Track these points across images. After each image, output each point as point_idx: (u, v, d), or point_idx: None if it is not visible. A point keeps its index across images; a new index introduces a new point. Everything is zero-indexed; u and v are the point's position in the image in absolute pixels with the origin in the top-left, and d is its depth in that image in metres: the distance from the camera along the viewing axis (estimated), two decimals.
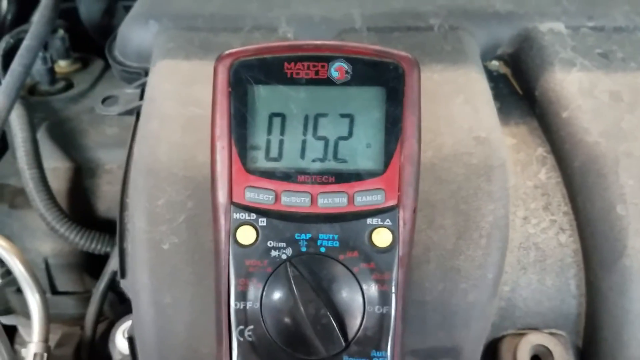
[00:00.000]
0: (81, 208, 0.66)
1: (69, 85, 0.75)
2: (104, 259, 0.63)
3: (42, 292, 0.57)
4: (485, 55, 0.63)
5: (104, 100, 0.59)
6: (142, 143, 0.51)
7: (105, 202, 0.66)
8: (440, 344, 0.48)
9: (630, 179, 0.50)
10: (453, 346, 0.48)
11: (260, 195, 0.41)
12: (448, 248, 0.48)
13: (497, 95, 0.61)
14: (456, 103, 0.54)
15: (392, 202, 0.41)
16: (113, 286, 0.62)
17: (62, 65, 0.78)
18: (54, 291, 0.67)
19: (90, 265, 0.67)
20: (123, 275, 0.51)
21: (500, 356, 0.51)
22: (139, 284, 0.48)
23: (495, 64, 0.66)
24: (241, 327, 0.41)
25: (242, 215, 0.41)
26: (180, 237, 0.47)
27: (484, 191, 0.49)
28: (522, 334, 0.51)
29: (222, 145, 0.41)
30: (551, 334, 0.52)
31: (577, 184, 0.53)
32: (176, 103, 0.53)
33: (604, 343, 0.50)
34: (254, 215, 0.41)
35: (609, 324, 0.50)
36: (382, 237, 0.41)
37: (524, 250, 0.52)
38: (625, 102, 0.56)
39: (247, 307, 0.41)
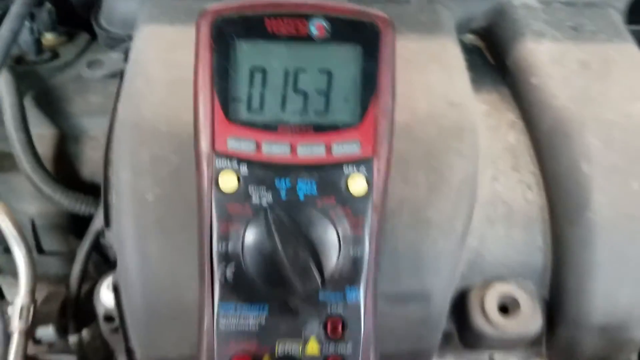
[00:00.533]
0: (66, 173, 0.68)
1: (55, 56, 0.76)
2: (88, 220, 0.64)
3: (28, 248, 0.58)
4: (461, 29, 0.66)
5: (89, 65, 0.60)
6: (126, 101, 0.53)
7: (89, 167, 0.68)
8: (411, 289, 0.51)
9: (595, 139, 0.53)
10: (423, 291, 0.51)
11: (242, 144, 0.43)
12: (420, 201, 0.50)
13: (471, 66, 0.63)
14: (431, 70, 0.57)
15: (367, 153, 0.43)
16: (97, 246, 0.64)
17: (49, 38, 0.79)
18: (40, 251, 0.68)
19: (75, 226, 0.68)
20: (108, 224, 0.53)
21: (468, 306, 0.54)
22: (123, 233, 0.49)
23: (469, 37, 0.68)
24: (223, 268, 0.43)
25: (224, 163, 0.43)
26: (164, 189, 0.49)
27: (455, 150, 0.52)
28: (489, 284, 0.54)
29: (204, 96, 0.43)
30: (519, 285, 0.55)
31: (545, 144, 0.55)
32: (160, 66, 0.54)
33: (569, 294, 0.53)
34: (235, 163, 0.43)
35: (574, 275, 0.53)
36: (357, 185, 0.43)
37: (492, 206, 0.55)
38: (593, 70, 0.59)
39: (229, 250, 0.43)
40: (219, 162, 0.43)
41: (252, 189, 0.43)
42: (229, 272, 0.43)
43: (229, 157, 0.43)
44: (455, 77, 0.57)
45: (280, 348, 0.44)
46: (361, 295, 0.44)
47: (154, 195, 0.49)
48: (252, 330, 0.44)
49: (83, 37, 0.81)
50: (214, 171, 0.43)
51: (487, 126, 0.59)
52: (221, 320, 0.44)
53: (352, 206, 0.43)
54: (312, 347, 0.45)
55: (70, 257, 0.66)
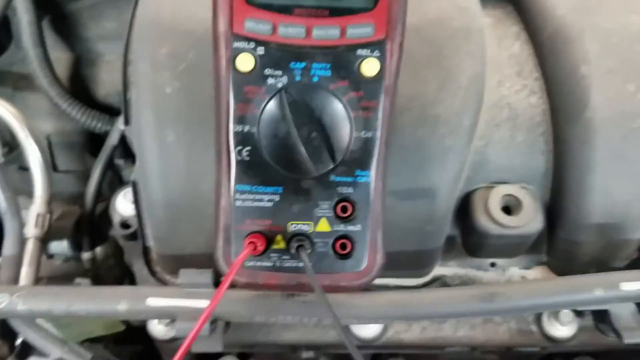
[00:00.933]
0: (81, 94, 0.69)
1: None
2: (103, 139, 0.66)
3: (46, 158, 0.60)
4: None
5: None
6: (144, 5, 0.54)
7: (104, 89, 0.70)
8: (418, 184, 0.52)
9: (594, 44, 0.55)
10: (429, 187, 0.52)
11: (258, 25, 0.44)
12: (429, 98, 0.52)
13: None
14: None
15: (381, 35, 0.44)
16: (112, 165, 0.66)
17: None
18: (55, 169, 0.70)
19: (91, 144, 0.70)
20: (127, 122, 0.54)
21: (472, 206, 0.56)
22: (142, 124, 0.51)
23: None
24: (239, 147, 0.45)
25: (241, 44, 0.44)
26: (182, 82, 0.51)
27: (464, 50, 0.53)
28: (493, 186, 0.56)
29: None
30: (521, 187, 0.56)
31: (547, 51, 0.57)
32: None
33: (568, 193, 0.55)
34: (252, 44, 0.44)
35: (574, 174, 0.55)
36: (370, 67, 0.45)
37: (498, 109, 0.56)
38: None
39: (245, 130, 0.45)
40: (237, 43, 0.44)
41: (268, 70, 0.44)
42: (245, 153, 0.45)
43: (246, 38, 0.44)
44: None
45: (292, 227, 0.46)
46: (371, 177, 0.45)
47: (172, 89, 0.51)
48: (266, 210, 0.46)
49: None
50: (231, 52, 0.44)
51: (493, 37, 0.60)
52: (237, 200, 0.46)
53: (364, 88, 0.45)
54: (323, 227, 0.46)
55: (85, 176, 0.67)
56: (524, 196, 0.55)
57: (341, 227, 0.46)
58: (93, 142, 0.70)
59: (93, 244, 0.66)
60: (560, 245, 0.58)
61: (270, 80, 0.45)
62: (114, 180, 0.69)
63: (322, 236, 0.46)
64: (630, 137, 0.53)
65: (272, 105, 0.44)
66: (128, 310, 0.49)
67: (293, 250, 0.45)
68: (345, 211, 0.46)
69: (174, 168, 0.51)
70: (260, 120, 0.45)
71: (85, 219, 0.66)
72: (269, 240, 0.46)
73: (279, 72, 0.44)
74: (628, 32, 0.56)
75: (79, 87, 0.70)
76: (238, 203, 0.46)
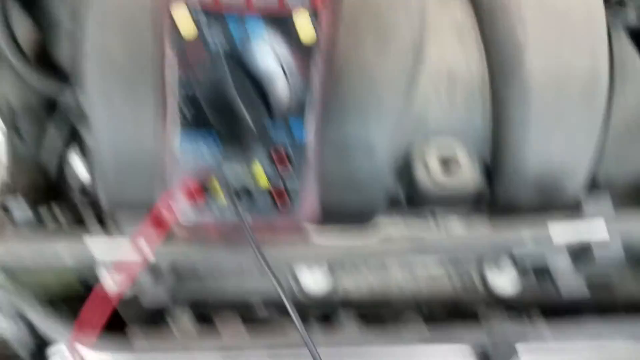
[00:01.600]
0: (43, 61, 0.71)
1: None
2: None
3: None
4: None
5: None
6: None
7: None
8: (356, 138, 0.55)
9: (531, 10, 0.58)
10: (367, 141, 0.55)
11: None
12: (368, 61, 0.54)
13: None
14: None
15: (318, 3, 0.44)
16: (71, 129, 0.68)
17: None
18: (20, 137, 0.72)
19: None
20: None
21: (411, 160, 0.59)
22: (93, 92, 0.53)
23: None
24: (183, 109, 0.46)
25: (184, 11, 0.44)
26: (132, 50, 0.53)
27: (402, 16, 0.56)
28: (432, 141, 0.59)
29: None
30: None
31: (486, 17, 0.60)
32: None
33: (506, 149, 0.59)
34: (194, 11, 0.44)
35: (511, 131, 0.58)
36: (307, 33, 0.45)
37: (437, 75, 0.59)
38: None
39: (188, 92, 0.46)
40: (179, 9, 0.44)
41: (209, 35, 0.45)
42: (188, 111, 0.46)
43: (188, 4, 0.44)
44: None
45: (230, 178, 0.48)
46: (306, 128, 0.48)
47: (122, 56, 0.53)
48: (205, 161, 0.48)
49: None
50: (173, 19, 0.44)
51: (436, 2, 0.63)
52: (179, 151, 0.48)
53: (299, 50, 0.46)
54: (260, 176, 0.49)
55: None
56: (460, 150, 0.58)
57: (277, 176, 0.49)
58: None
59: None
60: (500, 199, 0.61)
61: (212, 44, 0.46)
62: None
63: (259, 184, 0.49)
64: (563, 97, 0.56)
65: (212, 68, 0.46)
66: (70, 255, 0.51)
67: (229, 199, 0.47)
68: (281, 160, 0.48)
69: (122, 134, 0.53)
70: (201, 83, 0.46)
71: (43, 179, 0.67)
72: (208, 189, 0.48)
73: (220, 36, 0.45)
74: (565, 2, 0.59)
75: (41, 55, 0.71)
76: (179, 155, 0.48)
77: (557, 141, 0.57)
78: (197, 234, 0.49)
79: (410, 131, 0.59)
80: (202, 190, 0.48)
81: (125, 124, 0.53)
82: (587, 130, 0.58)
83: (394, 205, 0.62)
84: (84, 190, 0.65)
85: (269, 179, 0.48)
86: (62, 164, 0.66)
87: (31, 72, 0.66)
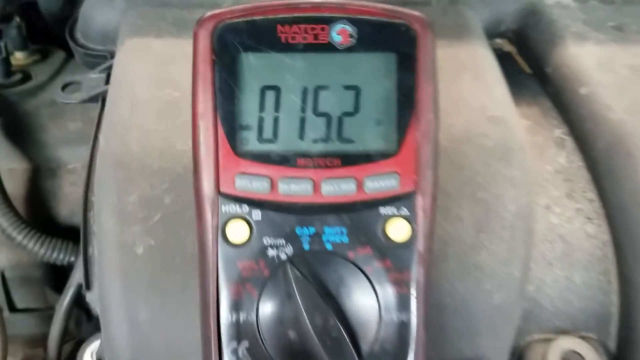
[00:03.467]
0: (41, 213, 0.59)
1: (27, 78, 0.67)
2: (68, 270, 0.55)
3: None
4: (488, 32, 0.57)
5: (64, 88, 0.51)
6: (109, 131, 0.44)
7: (68, 205, 0.59)
8: (462, 354, 0.42)
9: None
10: (477, 356, 0.42)
11: (253, 183, 0.34)
12: (467, 242, 0.42)
13: (504, 75, 0.55)
14: (464, 81, 0.48)
15: (409, 188, 0.35)
16: (79, 301, 0.55)
17: (19, 57, 0.70)
18: (13, 308, 0.59)
19: (52, 278, 0.59)
20: (88, 286, 0.44)
21: None
22: (108, 297, 0.40)
23: (498, 41, 0.60)
24: (234, 343, 0.35)
25: (232, 208, 0.35)
26: (157, 239, 0.40)
27: (504, 176, 0.43)
28: (551, 339, 0.45)
29: (206, 124, 0.34)
30: (582, 337, 0.46)
31: (603, 166, 0.47)
32: (149, 85, 0.46)
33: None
34: (246, 207, 0.35)
35: None
36: (398, 229, 0.35)
37: (549, 244, 0.46)
38: None
39: (241, 320, 0.35)
40: (226, 207, 0.34)
41: (267, 240, 0.35)
42: (242, 350, 0.34)
43: (237, 199, 0.34)
44: (493, 87, 0.48)
45: None
46: None
47: (144, 247, 0.40)
48: None
49: (58, 56, 0.72)
50: (219, 217, 0.34)
51: (533, 145, 0.50)
52: None
53: (392, 257, 0.35)
54: None
55: (48, 315, 0.56)
56: (587, 351, 0.45)
57: None
58: (55, 275, 0.58)
59: None
60: None
61: (271, 252, 0.35)
62: (81, 317, 0.57)
63: None
64: None
65: (274, 285, 0.35)
66: None
67: None
68: None
69: (149, 352, 0.40)
70: (259, 306, 0.35)
71: None
72: None
73: (282, 241, 0.35)
74: None
75: (38, 205, 0.59)
76: None
77: None
78: None
79: (524, 323, 0.45)
80: None
81: (154, 347, 0.40)
82: None
83: None
84: None
85: None
86: (73, 352, 0.53)
87: (24, 236, 0.53)
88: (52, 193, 0.59)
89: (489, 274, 0.41)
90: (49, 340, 0.54)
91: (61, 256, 0.54)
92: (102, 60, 0.55)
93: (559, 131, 0.51)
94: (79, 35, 0.57)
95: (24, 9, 0.71)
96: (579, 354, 0.45)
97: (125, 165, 0.42)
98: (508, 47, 0.61)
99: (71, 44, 0.57)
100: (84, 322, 0.58)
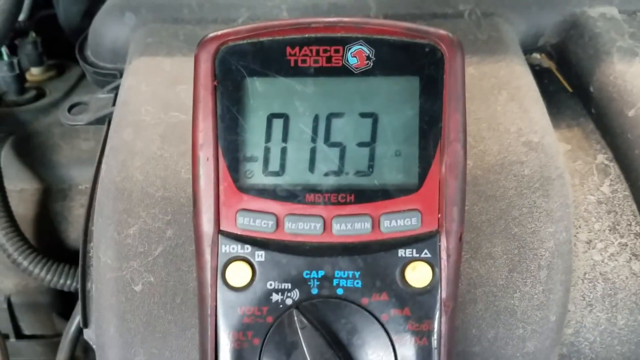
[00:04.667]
0: (51, 236, 0.57)
1: (41, 95, 0.66)
2: (75, 296, 0.52)
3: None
4: (525, 47, 0.53)
5: (70, 109, 0.49)
6: (111, 156, 0.41)
7: (78, 228, 0.57)
8: None
9: None
10: None
11: (257, 220, 0.31)
12: (499, 284, 0.38)
13: (542, 93, 0.51)
14: (499, 101, 0.45)
15: (431, 228, 0.32)
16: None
17: (35, 73, 0.69)
18: (19, 335, 0.57)
19: (60, 304, 0.57)
20: (86, 324, 0.41)
21: None
22: (105, 337, 0.38)
23: (536, 56, 0.56)
24: None
25: (233, 248, 0.32)
26: (157, 276, 0.37)
27: (541, 209, 0.39)
28: None
29: (206, 155, 0.31)
30: None
31: None
32: (155, 107, 0.43)
33: None
34: (249, 248, 0.32)
35: None
36: (418, 274, 0.32)
37: (589, 283, 0.42)
38: None
39: None
40: (226, 247, 0.31)
41: (271, 283, 0.31)
42: None
43: (239, 239, 0.31)
44: (530, 109, 0.44)
45: None
46: None
47: (143, 284, 0.37)
48: None
49: (75, 72, 0.70)
50: (219, 258, 0.31)
51: (573, 172, 0.46)
52: None
53: (412, 305, 0.31)
54: None
55: (54, 342, 0.54)
56: None
57: None
58: (63, 301, 0.56)
59: None
60: None
61: (276, 297, 0.32)
62: (89, 346, 0.55)
63: None
64: None
65: (279, 333, 0.32)
66: None
67: None
68: None
69: None
70: (262, 356, 0.31)
71: None
72: None
73: (288, 285, 0.32)
74: None
75: (47, 228, 0.57)
76: None
77: None
78: None
79: None
80: None
81: None
82: None
83: None
84: None
85: None
86: None
87: (31, 261, 0.51)
88: (62, 215, 0.57)
89: (521, 318, 0.37)
90: None
91: (68, 282, 0.52)
92: (111, 79, 0.52)
93: (603, 157, 0.47)
94: (89, 52, 0.55)
95: (42, 21, 0.70)
96: None
97: (126, 195, 0.39)
98: (547, 62, 0.56)
99: (81, 62, 0.54)
100: (91, 350, 0.55)
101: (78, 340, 0.52)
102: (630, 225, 0.43)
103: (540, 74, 0.54)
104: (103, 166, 0.41)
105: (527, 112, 0.44)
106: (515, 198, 0.40)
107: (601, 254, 0.42)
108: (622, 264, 0.42)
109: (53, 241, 0.56)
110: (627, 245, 0.43)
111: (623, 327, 0.41)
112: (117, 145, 0.41)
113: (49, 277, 0.52)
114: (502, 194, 0.40)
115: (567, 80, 0.54)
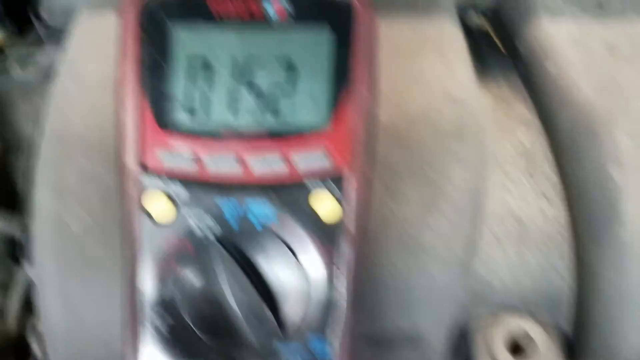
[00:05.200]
0: (7, 190, 0.58)
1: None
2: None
3: None
4: (462, 8, 0.55)
5: (22, 65, 0.51)
6: (53, 106, 0.43)
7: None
8: (399, 330, 0.41)
9: (627, 138, 0.43)
10: (415, 333, 0.41)
11: (178, 158, 0.34)
12: (411, 221, 0.41)
13: (478, 55, 0.53)
14: (426, 58, 0.47)
15: (339, 165, 0.34)
16: None
17: None
18: None
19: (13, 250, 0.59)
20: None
21: (472, 347, 0.44)
22: (43, 272, 0.40)
23: (475, 20, 0.58)
24: (157, 320, 0.34)
25: (156, 184, 0.34)
26: (93, 216, 0.40)
27: (455, 155, 0.42)
28: (498, 320, 0.44)
29: (130, 96, 0.34)
30: (532, 318, 0.45)
31: (565, 145, 0.45)
32: (97, 63, 0.45)
33: (595, 328, 0.43)
34: (170, 184, 0.34)
35: (602, 305, 0.43)
36: (328, 210, 0.34)
37: (501, 222, 0.45)
38: (623, 55, 0.48)
39: (163, 296, 0.34)
40: (149, 182, 0.34)
41: (192, 217, 0.34)
42: (164, 323, 0.34)
43: (161, 175, 0.34)
44: (457, 67, 0.46)
45: None
46: (333, 349, 0.34)
47: (80, 225, 0.40)
48: None
49: (37, 33, 0.71)
50: (142, 194, 0.34)
51: (496, 122, 0.48)
52: None
53: (321, 236, 0.34)
54: None
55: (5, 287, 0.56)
56: (536, 332, 0.43)
57: None
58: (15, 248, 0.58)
59: None
60: None
61: (197, 230, 0.34)
62: None
63: None
64: None
65: (199, 263, 0.34)
66: None
67: None
68: None
69: (84, 327, 0.40)
70: (182, 281, 0.34)
71: (9, 341, 0.55)
72: None
73: (208, 219, 0.34)
74: None
75: (4, 182, 0.58)
76: None
77: None
78: None
79: (470, 301, 0.44)
80: None
81: (87, 322, 0.40)
82: None
83: None
84: None
85: None
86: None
87: None
88: (20, 171, 0.59)
89: (431, 252, 0.40)
90: (7, 311, 0.54)
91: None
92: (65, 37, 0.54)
93: (525, 110, 0.49)
94: (42, 11, 0.56)
95: None
96: (528, 334, 0.43)
97: (66, 141, 0.41)
98: (484, 24, 0.59)
99: (34, 20, 0.56)
100: None
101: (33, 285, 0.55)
102: (545, 171, 0.46)
103: (477, 36, 0.57)
104: (45, 117, 0.43)
105: (453, 70, 0.46)
106: (432, 145, 0.42)
107: (514, 197, 0.45)
108: (534, 207, 0.45)
109: (9, 194, 0.58)
110: (541, 190, 0.46)
111: (532, 263, 0.44)
112: (58, 96, 0.44)
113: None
114: (419, 141, 0.42)
115: (501, 42, 0.57)
